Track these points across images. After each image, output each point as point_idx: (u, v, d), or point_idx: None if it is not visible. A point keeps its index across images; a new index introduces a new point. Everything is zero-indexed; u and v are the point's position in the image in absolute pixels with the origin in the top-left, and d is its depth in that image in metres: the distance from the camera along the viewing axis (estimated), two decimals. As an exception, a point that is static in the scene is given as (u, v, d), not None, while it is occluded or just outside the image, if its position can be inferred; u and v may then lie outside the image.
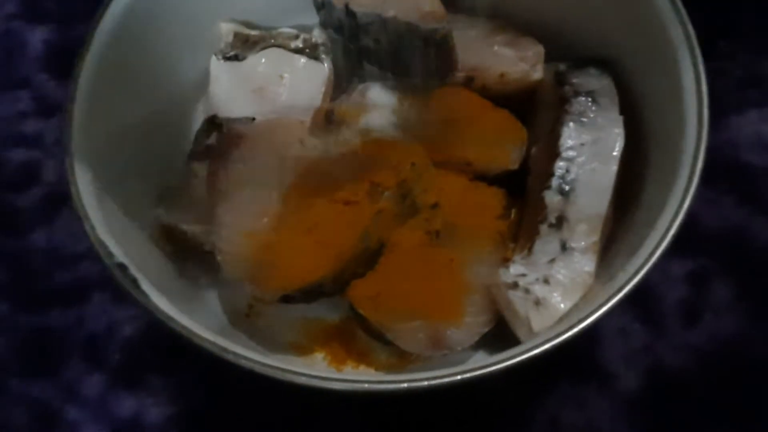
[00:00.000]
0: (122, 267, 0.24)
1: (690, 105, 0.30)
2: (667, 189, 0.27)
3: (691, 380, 0.33)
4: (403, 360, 0.32)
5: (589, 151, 0.29)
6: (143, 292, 0.24)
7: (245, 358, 0.22)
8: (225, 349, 0.22)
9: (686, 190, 0.26)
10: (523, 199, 0.33)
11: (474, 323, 0.30)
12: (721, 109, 0.40)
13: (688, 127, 0.29)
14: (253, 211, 0.29)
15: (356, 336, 0.33)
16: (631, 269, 0.25)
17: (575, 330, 0.24)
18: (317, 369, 0.29)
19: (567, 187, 0.29)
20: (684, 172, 0.27)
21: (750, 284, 0.35)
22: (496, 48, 0.36)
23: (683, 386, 0.33)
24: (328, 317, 0.34)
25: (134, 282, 0.24)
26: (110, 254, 0.24)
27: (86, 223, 0.24)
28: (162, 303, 0.24)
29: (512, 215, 0.33)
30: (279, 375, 0.22)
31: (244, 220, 0.29)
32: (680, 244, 0.28)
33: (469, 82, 0.36)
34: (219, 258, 0.29)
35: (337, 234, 0.28)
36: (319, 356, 0.33)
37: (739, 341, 0.34)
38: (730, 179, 0.37)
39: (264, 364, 0.22)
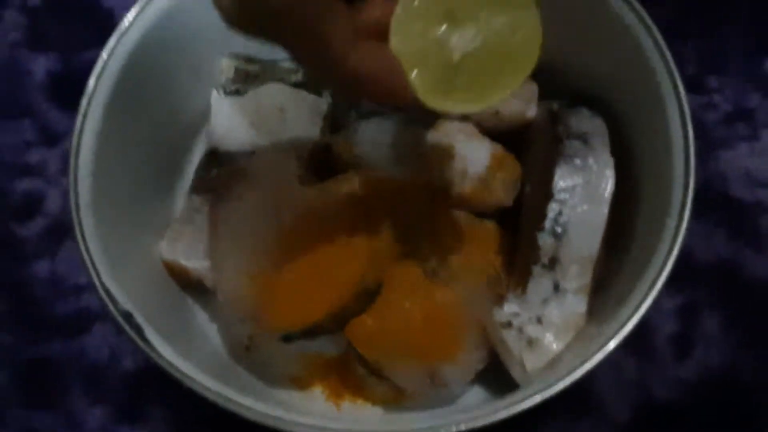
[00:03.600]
0: (127, 315, 0.24)
1: (677, 144, 0.30)
2: (659, 229, 0.28)
3: (683, 413, 0.34)
4: (399, 395, 0.33)
5: (580, 193, 0.30)
6: (147, 341, 0.24)
7: (247, 408, 0.23)
8: (228, 399, 0.23)
9: (677, 230, 0.27)
10: (517, 235, 0.33)
11: (470, 360, 0.31)
12: (710, 143, 0.41)
13: (676, 166, 0.30)
14: (253, 251, 0.29)
15: (354, 370, 0.34)
16: (627, 311, 0.26)
17: (577, 375, 0.25)
18: (315, 411, 0.30)
19: (559, 229, 0.30)
20: (674, 212, 0.27)
21: (739, 316, 0.36)
22: (491, 85, 0.37)
23: (675, 419, 0.34)
24: (326, 351, 0.34)
25: (139, 331, 0.24)
26: (115, 301, 0.25)
27: (92, 270, 0.25)
28: (165, 350, 0.24)
29: (506, 250, 0.34)
30: (280, 425, 0.23)
31: (245, 260, 0.29)
32: (672, 278, 0.28)
33: (464, 119, 0.36)
34: (220, 297, 0.30)
35: (336, 275, 0.29)
36: (317, 391, 0.34)
37: (728, 372, 0.34)
38: (720, 213, 0.38)
39: (265, 414, 0.23)
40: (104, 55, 0.32)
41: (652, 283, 0.26)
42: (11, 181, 0.41)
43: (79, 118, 0.31)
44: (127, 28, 0.32)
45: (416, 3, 0.23)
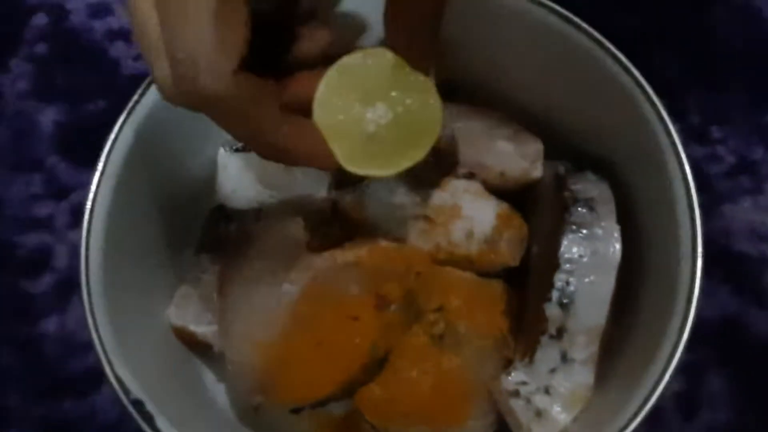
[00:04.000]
0: (139, 404, 0.25)
1: (681, 200, 0.30)
2: (668, 303, 0.28)
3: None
4: (409, 457, 0.33)
5: (587, 263, 0.30)
6: (159, 431, 0.25)
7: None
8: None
9: (686, 311, 0.27)
10: (524, 299, 0.34)
11: (478, 426, 0.31)
12: (714, 197, 0.41)
13: (681, 222, 0.30)
14: (262, 321, 0.30)
15: (362, 430, 0.34)
16: (640, 396, 0.26)
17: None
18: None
19: (566, 300, 0.30)
20: (683, 291, 0.28)
21: (745, 374, 0.36)
22: (496, 142, 0.37)
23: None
24: (334, 410, 0.34)
25: (150, 420, 0.25)
26: (127, 391, 0.25)
27: (103, 359, 0.25)
28: (174, 438, 0.25)
29: (513, 310, 0.34)
30: None
31: (254, 330, 0.30)
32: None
33: (470, 177, 0.37)
34: (229, 368, 0.30)
35: (345, 348, 0.29)
36: (325, 451, 0.34)
37: (736, 432, 0.35)
38: (723, 268, 0.38)
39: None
40: (123, 115, 0.32)
41: (662, 370, 0.26)
42: (19, 235, 0.42)
43: (96, 180, 0.31)
44: (139, 98, 0.32)
45: (337, 82, 0.26)
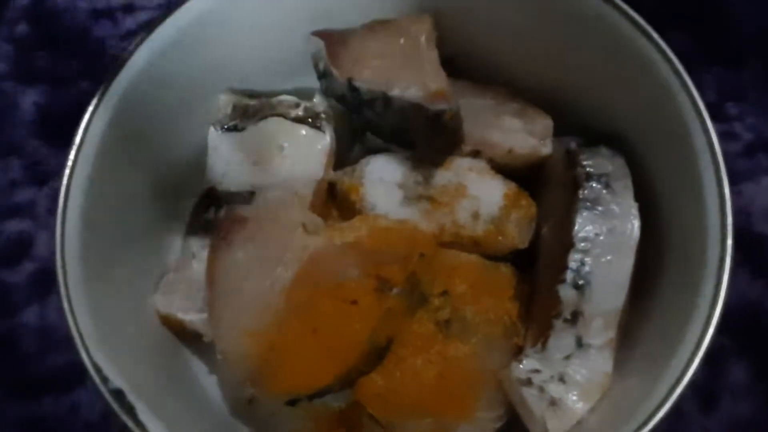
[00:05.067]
0: (119, 393, 0.23)
1: (708, 178, 0.28)
2: (694, 285, 0.26)
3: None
4: (413, 452, 0.31)
5: (604, 242, 0.28)
6: (141, 423, 0.22)
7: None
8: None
9: (716, 293, 0.25)
10: (535, 283, 0.32)
11: (486, 419, 0.29)
12: (732, 176, 0.39)
13: (708, 203, 0.28)
14: (254, 308, 0.28)
15: (362, 424, 0.32)
16: (665, 385, 0.24)
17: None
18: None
19: (582, 282, 0.28)
20: (713, 259, 0.25)
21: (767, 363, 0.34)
22: (503, 119, 0.35)
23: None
24: (333, 404, 0.32)
25: (131, 410, 0.23)
26: (105, 379, 0.23)
27: (80, 344, 0.23)
28: (159, 430, 0.22)
29: (523, 295, 0.32)
30: None
31: (246, 318, 0.28)
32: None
33: (475, 155, 0.35)
34: (219, 358, 0.28)
35: (343, 336, 0.27)
36: (323, 447, 0.32)
37: (757, 427, 0.33)
38: (743, 251, 0.36)
39: None
40: (98, 94, 0.30)
41: (692, 353, 0.24)
42: (-1, 223, 0.40)
43: (70, 160, 0.30)
44: (121, 66, 0.30)
45: None
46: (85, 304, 0.25)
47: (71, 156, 0.29)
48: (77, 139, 0.30)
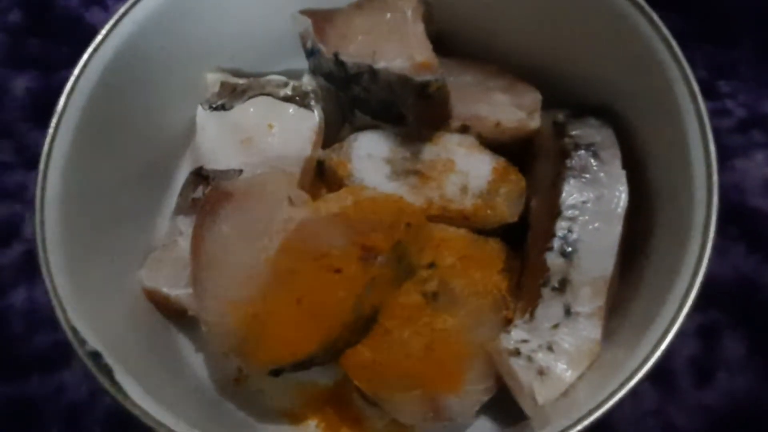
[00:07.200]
0: (96, 356, 0.22)
1: (696, 149, 0.28)
2: (680, 251, 0.26)
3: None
4: (401, 427, 0.31)
5: (591, 209, 0.28)
6: (118, 384, 0.22)
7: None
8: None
9: (701, 252, 0.25)
10: (523, 255, 0.31)
11: (475, 391, 0.29)
12: (724, 152, 0.39)
13: (696, 181, 0.27)
14: (239, 279, 0.27)
15: (351, 400, 0.32)
16: (649, 343, 0.23)
17: (596, 415, 0.22)
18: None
19: (569, 249, 0.27)
20: (696, 233, 0.25)
21: (763, 338, 0.34)
22: (491, 94, 0.35)
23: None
24: (321, 381, 0.32)
25: (109, 373, 0.22)
26: (82, 341, 0.23)
27: (57, 306, 0.23)
28: (137, 394, 0.22)
29: (513, 270, 0.32)
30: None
31: (230, 289, 0.27)
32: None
33: (464, 131, 0.34)
34: (204, 329, 0.27)
35: (327, 304, 0.27)
36: (312, 423, 0.31)
37: (755, 399, 0.32)
38: (738, 226, 0.36)
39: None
40: (76, 71, 0.30)
41: (676, 311, 0.23)
42: (-13, 205, 0.40)
43: (48, 138, 0.29)
44: (101, 42, 0.30)
45: None
46: (63, 262, 0.25)
47: (47, 139, 0.29)
48: (53, 121, 0.29)
